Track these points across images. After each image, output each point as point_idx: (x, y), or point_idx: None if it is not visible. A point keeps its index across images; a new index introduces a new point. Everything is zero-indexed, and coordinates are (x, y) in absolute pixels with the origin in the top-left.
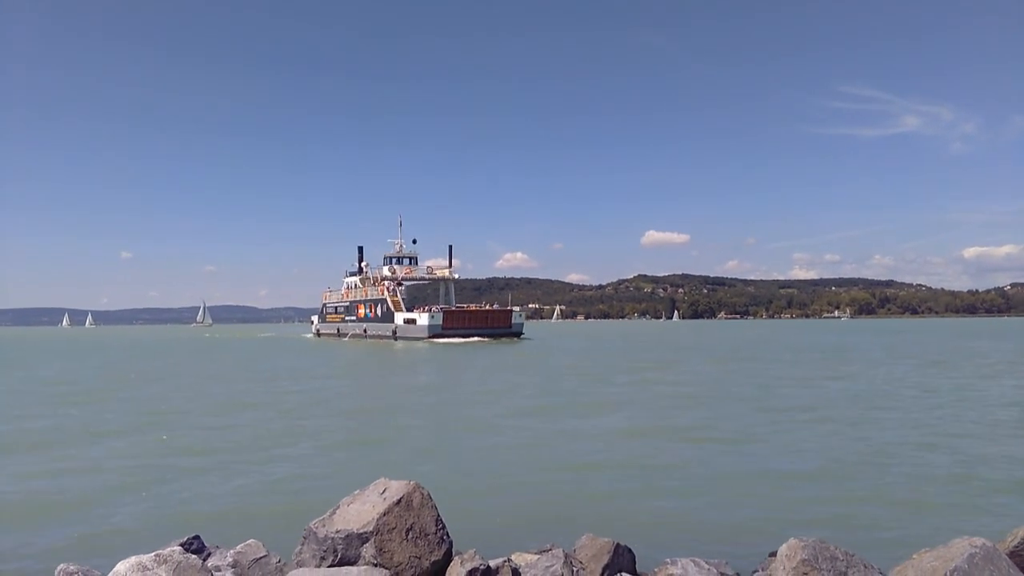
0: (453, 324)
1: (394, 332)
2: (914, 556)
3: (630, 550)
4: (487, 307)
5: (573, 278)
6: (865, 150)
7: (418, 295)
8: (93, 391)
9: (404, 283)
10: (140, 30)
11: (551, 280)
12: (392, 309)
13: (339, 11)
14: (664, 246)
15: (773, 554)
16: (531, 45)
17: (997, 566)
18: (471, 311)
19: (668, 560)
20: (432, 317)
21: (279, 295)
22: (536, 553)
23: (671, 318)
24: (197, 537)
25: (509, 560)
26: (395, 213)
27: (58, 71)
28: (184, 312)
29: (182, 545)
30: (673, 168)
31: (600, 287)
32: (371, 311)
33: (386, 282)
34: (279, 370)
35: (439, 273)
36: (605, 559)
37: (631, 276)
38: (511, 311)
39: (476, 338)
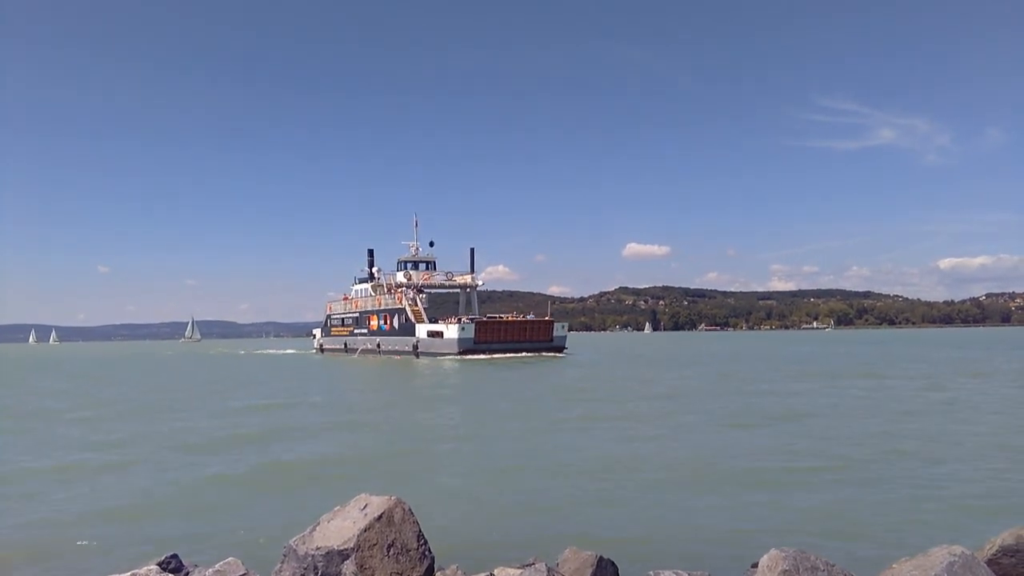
0: (487, 337)
1: (415, 347)
2: (894, 565)
3: (613, 563)
4: (523, 317)
5: (554, 290)
6: (842, 162)
7: (435, 305)
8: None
9: (424, 291)
10: (121, 40)
11: (532, 293)
12: (413, 320)
13: (317, 22)
14: (645, 258)
15: (755, 565)
16: (514, 59)
17: (976, 574)
18: (508, 322)
19: (651, 572)
20: (463, 329)
21: (260, 310)
22: (519, 568)
23: (653, 330)
24: (175, 556)
25: (492, 575)
26: (378, 226)
27: (32, 82)
28: (163, 328)
29: (159, 564)
30: (654, 181)
31: (582, 299)
32: (386, 323)
33: (404, 289)
34: (275, 390)
35: (460, 279)
36: (588, 572)
37: (612, 288)
38: (552, 322)
39: (513, 354)
